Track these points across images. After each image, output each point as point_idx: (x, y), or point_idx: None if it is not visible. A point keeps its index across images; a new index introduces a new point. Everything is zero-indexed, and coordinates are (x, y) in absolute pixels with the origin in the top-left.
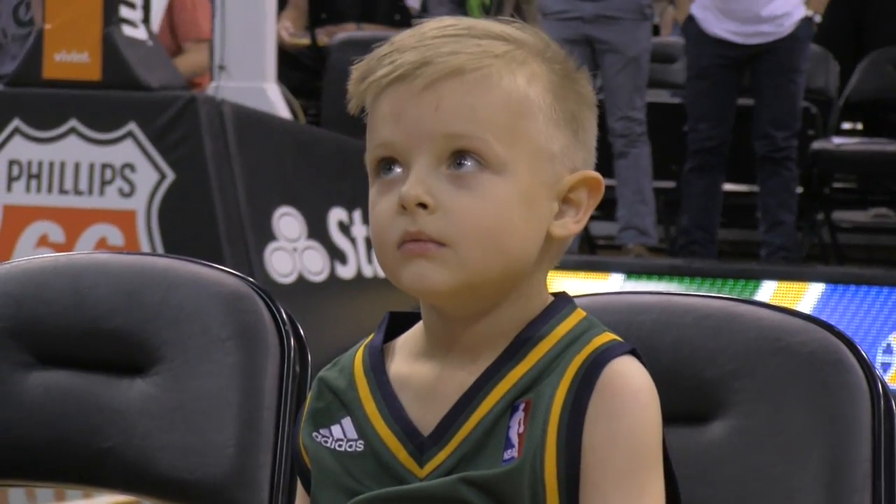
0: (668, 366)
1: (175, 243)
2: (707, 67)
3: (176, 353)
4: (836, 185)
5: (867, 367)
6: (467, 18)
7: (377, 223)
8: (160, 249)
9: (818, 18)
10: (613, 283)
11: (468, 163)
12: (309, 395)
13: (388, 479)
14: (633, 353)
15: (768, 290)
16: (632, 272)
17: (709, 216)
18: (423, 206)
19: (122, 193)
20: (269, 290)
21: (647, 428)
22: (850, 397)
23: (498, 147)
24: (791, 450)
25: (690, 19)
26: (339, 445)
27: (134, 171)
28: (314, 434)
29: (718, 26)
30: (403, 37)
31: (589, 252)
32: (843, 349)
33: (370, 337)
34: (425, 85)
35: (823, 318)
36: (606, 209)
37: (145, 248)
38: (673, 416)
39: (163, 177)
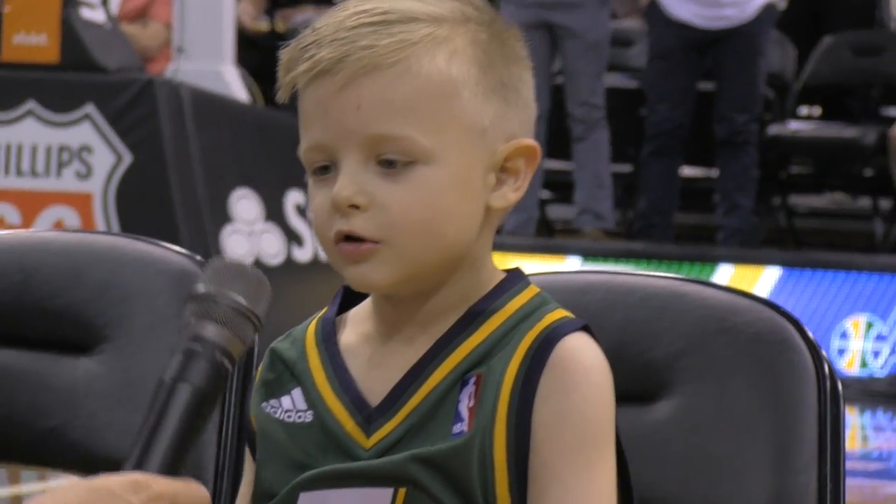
0: (613, 345)
1: (132, 225)
2: (668, 49)
3: (122, 332)
4: (793, 169)
5: (813, 348)
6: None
7: (316, 218)
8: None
9: (783, 5)
10: (570, 266)
11: (396, 158)
12: (260, 366)
13: (335, 450)
14: (586, 329)
15: (725, 274)
16: (589, 255)
17: (666, 200)
18: (356, 205)
19: (79, 175)
20: None
21: (599, 404)
22: (796, 378)
23: (424, 139)
24: (737, 430)
25: (654, 2)
26: (289, 416)
27: (91, 153)
28: (263, 404)
29: (682, 9)
30: (324, 23)
31: (546, 235)
32: (789, 329)
33: (324, 310)
34: (344, 83)
35: (780, 302)
36: (564, 193)
37: (102, 230)
38: (619, 396)
39: (120, 159)
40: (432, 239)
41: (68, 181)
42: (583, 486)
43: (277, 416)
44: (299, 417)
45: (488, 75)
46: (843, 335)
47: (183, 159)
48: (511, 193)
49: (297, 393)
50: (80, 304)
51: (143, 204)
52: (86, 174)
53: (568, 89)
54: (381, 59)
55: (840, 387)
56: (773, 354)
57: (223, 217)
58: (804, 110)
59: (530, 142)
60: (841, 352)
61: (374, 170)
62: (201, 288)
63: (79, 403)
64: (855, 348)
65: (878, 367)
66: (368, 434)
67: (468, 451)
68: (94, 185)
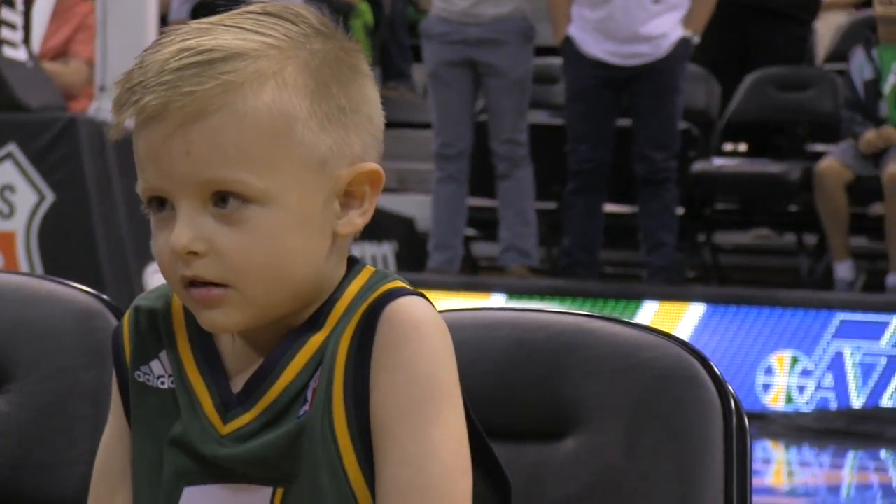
0: (521, 382)
1: (55, 265)
2: (585, 88)
3: (29, 371)
4: (718, 206)
5: (720, 384)
6: (215, 28)
7: (160, 260)
8: (39, 271)
9: (697, 39)
10: (495, 304)
11: (231, 201)
12: (125, 330)
13: (188, 423)
14: (422, 297)
15: (649, 311)
16: (513, 293)
17: (590, 237)
18: (195, 252)
19: (1, 215)
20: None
21: (432, 358)
22: (703, 413)
23: (259, 182)
24: (644, 466)
25: (568, 40)
26: (161, 382)
27: (14, 192)
28: (137, 373)
29: (596, 47)
30: (150, 59)
31: (471, 273)
32: (696, 365)
33: None
34: (171, 130)
35: (704, 338)
36: (488, 230)
37: (24, 269)
38: (527, 432)
39: (42, 198)
40: (280, 281)
41: None
42: (418, 444)
43: (150, 383)
44: (172, 383)
45: (323, 104)
46: (768, 371)
47: (106, 198)
48: (357, 218)
49: (164, 356)
50: None
51: (66, 243)
52: (8, 213)
53: (491, 127)
54: (206, 104)
55: (746, 422)
56: (679, 391)
57: (147, 256)
58: (729, 146)
59: (373, 166)
60: (766, 387)
61: (211, 212)
62: None
63: None
64: (780, 384)
65: (804, 403)
66: (225, 420)
67: (304, 430)
68: (17, 224)
